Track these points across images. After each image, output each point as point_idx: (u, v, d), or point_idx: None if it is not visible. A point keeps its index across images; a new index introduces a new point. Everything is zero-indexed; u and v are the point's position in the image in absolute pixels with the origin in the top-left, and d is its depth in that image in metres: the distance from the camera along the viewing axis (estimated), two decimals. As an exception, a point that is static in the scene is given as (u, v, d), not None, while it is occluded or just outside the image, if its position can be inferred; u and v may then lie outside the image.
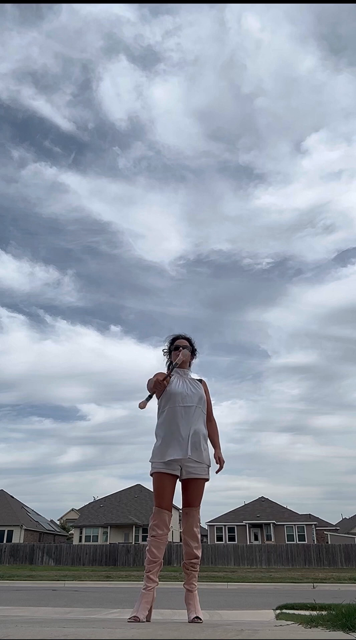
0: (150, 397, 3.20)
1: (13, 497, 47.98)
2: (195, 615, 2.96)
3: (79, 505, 57.27)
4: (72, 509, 70.63)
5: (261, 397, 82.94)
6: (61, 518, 71.57)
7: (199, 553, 3.19)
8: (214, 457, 3.38)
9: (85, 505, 48.95)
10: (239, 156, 73.37)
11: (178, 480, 3.20)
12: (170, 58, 66.59)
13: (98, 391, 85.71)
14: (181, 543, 3.28)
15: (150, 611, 2.99)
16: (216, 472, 3.33)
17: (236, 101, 68.71)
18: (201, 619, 2.93)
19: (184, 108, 70.78)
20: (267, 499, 47.50)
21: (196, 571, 3.18)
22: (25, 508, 48.15)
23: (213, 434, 3.45)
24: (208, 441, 3.37)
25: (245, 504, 47.41)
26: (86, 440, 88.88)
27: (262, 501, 47.27)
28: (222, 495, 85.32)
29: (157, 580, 3.05)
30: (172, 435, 3.20)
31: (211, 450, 3.38)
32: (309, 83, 65.71)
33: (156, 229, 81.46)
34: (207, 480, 3.26)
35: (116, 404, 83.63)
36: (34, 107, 67.16)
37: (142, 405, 3.10)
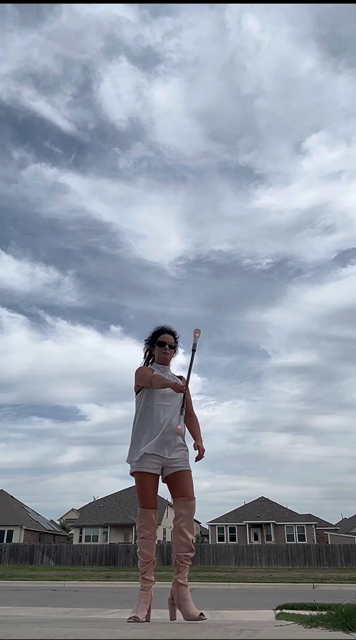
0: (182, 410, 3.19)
1: (13, 497, 47.97)
2: (200, 612, 2.91)
3: (79, 505, 57.30)
4: (72, 509, 70.61)
5: (261, 397, 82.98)
6: (61, 518, 71.55)
7: (193, 546, 3.15)
8: (194, 446, 3.33)
9: (85, 505, 48.95)
10: (239, 157, 73.47)
11: (160, 477, 3.16)
12: (170, 59, 66.70)
13: (98, 391, 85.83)
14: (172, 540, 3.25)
15: (149, 611, 2.99)
16: (195, 460, 3.27)
17: (236, 102, 68.80)
18: (204, 616, 2.89)
19: (185, 109, 70.88)
20: (267, 499, 47.50)
21: (189, 564, 3.14)
22: (25, 508, 48.14)
23: (193, 427, 3.41)
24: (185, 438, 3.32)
25: (245, 504, 47.41)
26: (86, 441, 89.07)
27: (262, 501, 47.26)
28: (222, 495, 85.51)
29: (153, 578, 3.06)
30: (150, 432, 3.16)
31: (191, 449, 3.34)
32: (309, 84, 65.75)
33: (156, 229, 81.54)
34: (189, 470, 3.21)
35: (116, 404, 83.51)
36: (34, 108, 67.26)
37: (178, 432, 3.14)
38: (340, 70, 67.29)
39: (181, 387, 3.18)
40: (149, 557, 3.06)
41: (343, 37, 61.30)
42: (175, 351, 3.47)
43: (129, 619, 2.84)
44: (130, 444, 3.25)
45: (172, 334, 3.48)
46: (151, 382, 3.21)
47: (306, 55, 64.02)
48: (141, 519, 3.10)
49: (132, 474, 3.18)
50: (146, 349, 3.50)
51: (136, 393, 3.37)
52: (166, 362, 3.41)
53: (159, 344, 3.41)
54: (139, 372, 3.36)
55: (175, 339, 3.48)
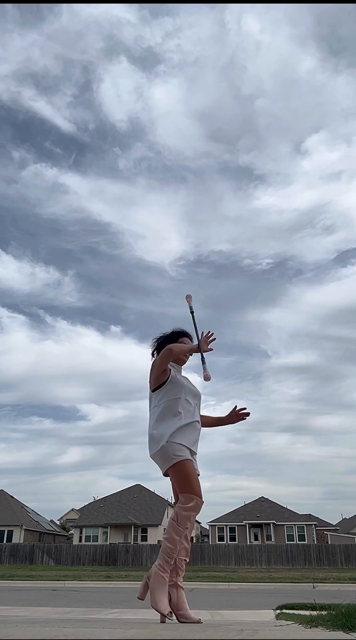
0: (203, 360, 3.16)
1: (13, 497, 47.98)
2: (199, 618, 2.90)
3: (79, 505, 57.33)
4: (72, 509, 70.63)
5: (261, 397, 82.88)
6: (61, 518, 71.56)
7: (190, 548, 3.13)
8: (232, 412, 3.48)
9: (85, 505, 48.95)
10: (239, 157, 73.55)
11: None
12: (170, 59, 66.78)
13: (98, 391, 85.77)
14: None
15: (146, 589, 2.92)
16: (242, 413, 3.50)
17: (236, 102, 68.92)
18: (200, 619, 2.88)
19: (185, 109, 70.99)
20: (267, 499, 47.50)
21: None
22: (25, 508, 48.15)
23: (208, 419, 3.52)
24: None
25: (245, 504, 47.41)
26: (86, 441, 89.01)
27: (262, 501, 47.27)
28: (222, 495, 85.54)
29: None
30: (188, 427, 3.11)
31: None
32: (309, 84, 65.85)
33: (156, 229, 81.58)
34: None
35: (116, 404, 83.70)
36: (34, 108, 67.31)
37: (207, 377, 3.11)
38: (339, 70, 67.43)
39: (197, 346, 3.15)
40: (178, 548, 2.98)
41: (343, 37, 61.41)
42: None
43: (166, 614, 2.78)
44: (166, 434, 3.06)
45: (191, 339, 3.48)
46: (171, 350, 3.13)
47: (306, 55, 64.16)
48: (194, 509, 2.94)
49: (175, 464, 2.99)
50: (159, 342, 3.44)
51: (155, 389, 3.24)
52: (181, 363, 3.40)
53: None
54: (158, 358, 3.24)
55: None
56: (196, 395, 3.32)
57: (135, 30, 62.71)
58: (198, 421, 3.22)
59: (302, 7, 57.38)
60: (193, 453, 3.09)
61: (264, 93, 66.99)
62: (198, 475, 3.08)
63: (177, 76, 69.12)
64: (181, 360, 3.38)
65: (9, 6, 51.15)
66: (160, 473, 3.16)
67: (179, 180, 77.14)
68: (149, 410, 3.29)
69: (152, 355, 3.44)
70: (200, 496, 2.96)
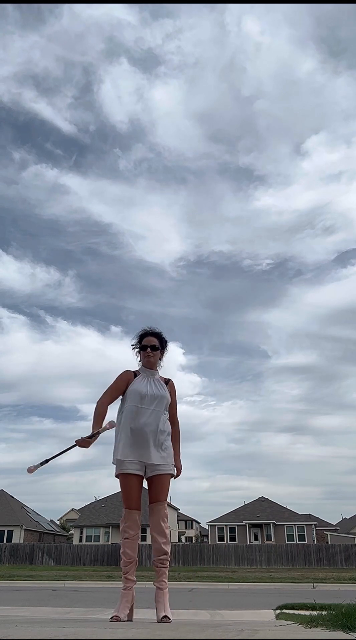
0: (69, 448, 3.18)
1: (13, 497, 47.95)
2: (164, 614, 2.91)
3: (79, 505, 57.29)
4: (72, 509, 70.62)
5: (261, 398, 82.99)
6: (61, 518, 71.55)
7: (167, 549, 3.12)
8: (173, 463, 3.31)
9: (85, 505, 48.93)
10: (240, 158, 73.60)
11: (143, 478, 3.19)
12: (171, 61, 66.93)
13: (99, 391, 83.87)
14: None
15: (132, 610, 3.03)
16: (173, 478, 3.28)
17: (236, 103, 69.00)
18: (170, 619, 2.89)
19: (185, 110, 71.10)
20: (267, 499, 47.46)
21: (166, 568, 3.11)
22: (25, 508, 48.12)
23: (174, 439, 3.36)
24: (169, 439, 3.29)
25: (245, 504, 47.37)
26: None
27: (262, 501, 47.24)
28: (222, 495, 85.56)
29: (135, 578, 3.10)
30: (131, 435, 3.16)
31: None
32: (308, 85, 65.97)
33: (157, 230, 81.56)
34: (172, 475, 3.24)
35: (116, 404, 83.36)
36: (35, 109, 67.37)
37: (30, 470, 3.12)
38: (339, 72, 67.54)
39: (80, 442, 3.13)
40: (131, 557, 3.08)
41: (342, 39, 61.46)
42: (161, 352, 3.44)
43: (111, 618, 2.87)
44: (114, 447, 3.27)
45: (156, 335, 3.44)
46: (96, 408, 3.30)
47: (306, 57, 64.24)
48: (126, 519, 3.13)
49: (116, 476, 3.20)
50: (136, 353, 3.49)
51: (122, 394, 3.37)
52: (151, 366, 3.39)
53: (142, 347, 3.40)
54: (113, 383, 3.37)
55: (160, 339, 3.45)
56: (144, 397, 3.25)
57: (135, 32, 62.87)
58: (142, 423, 3.18)
59: (302, 9, 57.51)
60: (135, 459, 3.13)
61: (264, 94, 67.15)
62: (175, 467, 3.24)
63: (177, 77, 69.27)
64: (149, 364, 3.38)
65: (10, 8, 51.25)
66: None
67: (180, 181, 77.20)
68: None
69: (163, 350, 3.45)
70: (129, 507, 3.14)
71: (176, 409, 3.44)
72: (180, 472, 3.36)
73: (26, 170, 70.84)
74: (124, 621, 2.84)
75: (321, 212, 77.15)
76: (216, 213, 78.44)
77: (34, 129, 70.43)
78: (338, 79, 67.66)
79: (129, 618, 2.96)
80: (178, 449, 3.39)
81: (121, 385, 3.33)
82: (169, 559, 3.14)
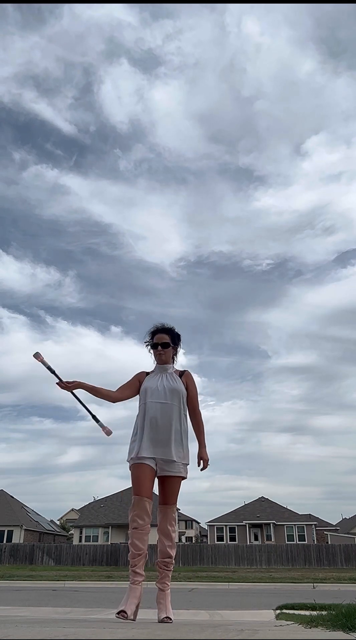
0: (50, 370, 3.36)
1: (13, 497, 47.94)
2: (165, 615, 2.90)
3: (79, 505, 57.29)
4: (72, 509, 70.62)
5: (261, 398, 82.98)
6: (61, 518, 71.55)
7: (172, 552, 3.08)
8: (197, 457, 3.28)
9: (85, 505, 48.90)
10: (240, 158, 73.65)
11: (155, 473, 3.12)
12: (171, 61, 66.93)
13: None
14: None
15: (137, 608, 2.88)
16: (201, 470, 3.26)
17: (236, 104, 69.05)
18: (171, 619, 2.88)
19: (185, 111, 71.13)
20: (267, 499, 47.46)
21: (169, 570, 3.09)
22: (25, 508, 48.12)
23: (196, 430, 3.32)
24: (188, 436, 3.23)
25: (245, 504, 47.37)
26: (87, 441, 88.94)
27: (262, 501, 47.23)
28: (222, 495, 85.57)
29: (144, 573, 2.95)
30: (144, 432, 3.12)
31: (194, 447, 3.28)
32: (308, 86, 65.97)
33: (157, 230, 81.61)
34: (183, 478, 3.16)
35: (117, 404, 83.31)
36: (35, 110, 67.40)
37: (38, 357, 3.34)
38: (339, 72, 67.59)
39: (60, 383, 3.31)
40: (141, 549, 2.93)
41: (342, 39, 61.45)
42: (174, 347, 3.40)
43: (117, 614, 2.75)
44: (129, 443, 3.23)
45: (167, 331, 3.40)
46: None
47: (306, 57, 64.23)
48: (135, 508, 2.97)
49: (130, 467, 3.13)
50: (148, 350, 3.45)
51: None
52: (164, 362, 3.35)
53: (153, 346, 3.38)
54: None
55: (172, 335, 3.40)
56: (155, 391, 3.23)
57: (135, 33, 62.85)
58: (152, 417, 3.15)
59: (301, 10, 57.41)
60: (148, 455, 3.08)
61: (264, 95, 67.20)
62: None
63: (177, 78, 69.32)
64: (161, 361, 3.35)
65: (10, 8, 51.24)
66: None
67: (180, 181, 77.21)
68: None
69: (176, 345, 3.43)
70: (140, 494, 2.99)
71: (197, 400, 3.34)
72: (207, 464, 3.28)
73: (26, 170, 70.86)
74: (130, 619, 2.75)
75: (321, 213, 77.19)
76: (216, 213, 78.48)
77: (34, 130, 70.45)
78: (338, 79, 67.74)
79: (133, 617, 2.85)
80: (202, 441, 3.33)
81: (134, 382, 3.33)
82: (173, 562, 3.12)
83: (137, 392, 3.31)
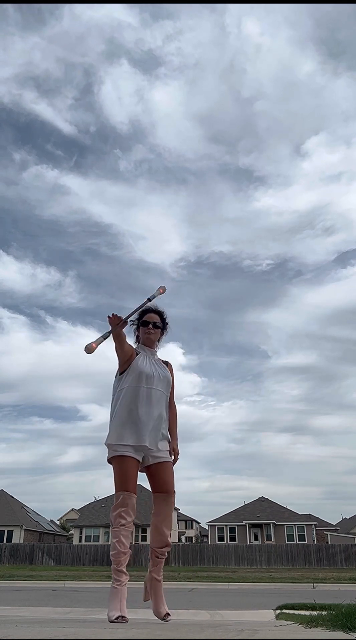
0: (106, 336, 2.95)
1: (13, 497, 47.94)
2: (166, 612, 2.92)
3: (79, 505, 57.30)
4: (72, 509, 70.59)
5: (261, 398, 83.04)
6: (61, 518, 71.53)
7: (170, 541, 3.07)
8: (170, 448, 3.16)
9: (85, 505, 48.91)
10: (240, 159, 73.99)
11: (140, 466, 3.03)
12: (171, 62, 67.21)
13: (99, 391, 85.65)
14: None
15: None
16: (173, 464, 3.15)
17: (236, 104, 69.38)
18: (170, 614, 2.90)
19: (185, 111, 71.48)
20: (267, 499, 47.47)
21: (163, 560, 3.06)
22: (25, 508, 48.11)
23: (171, 422, 3.23)
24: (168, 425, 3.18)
25: (245, 504, 47.38)
26: (87, 441, 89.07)
27: (262, 501, 47.23)
28: (222, 495, 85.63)
29: (127, 572, 2.87)
30: (132, 417, 3.01)
31: None
32: (308, 87, 66.43)
33: (157, 230, 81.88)
34: (171, 463, 3.12)
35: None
36: (36, 110, 67.57)
37: (90, 348, 2.85)
38: (339, 73, 67.90)
39: (111, 318, 2.96)
40: (126, 547, 2.85)
41: (342, 40, 61.71)
42: (162, 332, 3.35)
43: (116, 618, 2.67)
44: (110, 428, 3.08)
45: (159, 313, 3.35)
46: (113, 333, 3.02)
47: (306, 58, 64.48)
48: (121, 504, 2.89)
49: (110, 459, 3.02)
50: (134, 330, 3.37)
51: (120, 373, 3.20)
52: (150, 344, 3.29)
53: (143, 323, 3.29)
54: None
55: (162, 319, 3.35)
56: (150, 377, 3.12)
57: (136, 33, 63.25)
58: (146, 404, 3.05)
59: (301, 11, 57.74)
60: (134, 443, 2.97)
61: (264, 95, 67.64)
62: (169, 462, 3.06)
63: (177, 79, 69.69)
64: (149, 341, 3.28)
65: (10, 9, 51.45)
66: None
67: (180, 181, 77.47)
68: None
69: (164, 329, 3.36)
70: (128, 489, 2.91)
71: (173, 392, 3.29)
72: (177, 456, 3.19)
73: (27, 171, 71.05)
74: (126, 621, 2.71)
75: (321, 213, 77.36)
76: (216, 214, 78.68)
77: (34, 130, 70.65)
78: (338, 80, 68.01)
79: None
80: (175, 433, 3.25)
81: (132, 350, 3.20)
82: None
83: (129, 363, 3.17)
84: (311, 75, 65.70)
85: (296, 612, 4.00)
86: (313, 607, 4.00)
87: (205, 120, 70.82)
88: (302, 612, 3.74)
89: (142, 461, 3.04)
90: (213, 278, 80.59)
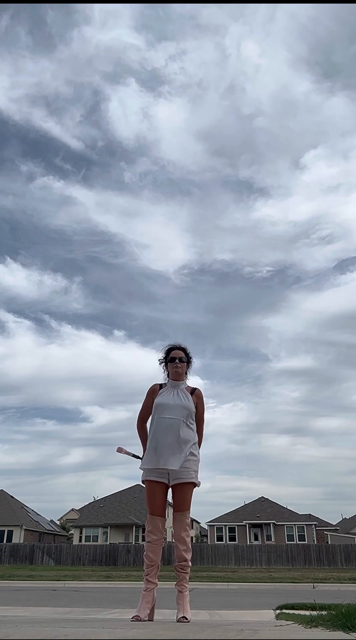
0: (134, 457, 3.57)
1: (13, 497, 47.94)
2: (182, 615, 3.03)
3: (79, 505, 57.31)
4: (72, 509, 70.60)
5: (261, 400, 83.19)
6: (61, 518, 71.53)
7: (188, 556, 3.27)
8: (196, 468, 3.44)
9: (85, 505, 48.89)
10: (240, 171, 75.64)
11: (168, 487, 3.33)
12: (174, 81, 69.38)
13: (102, 394, 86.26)
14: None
15: (152, 611, 3.14)
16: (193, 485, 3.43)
17: (237, 121, 71.57)
18: (187, 619, 3.01)
19: (188, 127, 73.24)
20: (267, 499, 47.45)
21: (187, 573, 3.27)
22: (25, 508, 48.10)
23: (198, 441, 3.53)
24: (195, 446, 3.41)
25: (245, 504, 47.37)
26: (89, 442, 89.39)
27: (262, 501, 47.22)
28: (222, 495, 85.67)
29: (157, 581, 3.21)
30: (156, 444, 3.32)
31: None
32: (305, 105, 69.23)
33: (162, 239, 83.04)
34: (194, 484, 3.33)
35: (119, 406, 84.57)
36: (45, 128, 69.43)
37: (119, 450, 3.62)
38: (334, 92, 70.54)
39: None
40: (153, 560, 3.21)
41: (336, 63, 64.62)
42: (188, 364, 3.63)
43: (132, 618, 2.98)
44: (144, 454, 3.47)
45: (183, 349, 3.64)
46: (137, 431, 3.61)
47: (302, 79, 67.35)
48: (149, 524, 3.30)
49: (143, 482, 3.39)
50: (163, 367, 3.66)
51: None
52: (178, 377, 3.55)
53: (170, 359, 3.57)
54: (143, 401, 3.60)
55: (186, 353, 3.64)
56: (166, 407, 3.41)
57: (140, 54, 65.55)
58: (162, 431, 3.35)
59: (298, 35, 59.59)
60: (159, 468, 3.29)
61: (263, 113, 70.05)
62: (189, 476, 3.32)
63: (181, 97, 71.76)
64: (177, 374, 3.54)
65: (22, 33, 53.06)
66: None
67: (184, 193, 78.63)
68: None
69: (188, 362, 3.66)
70: (154, 513, 3.31)
71: (203, 420, 3.56)
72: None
73: (34, 182, 72.24)
74: (144, 621, 2.97)
75: (320, 222, 78.21)
76: (218, 223, 79.57)
77: (43, 146, 72.60)
78: (334, 98, 70.64)
79: (150, 618, 3.09)
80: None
81: (149, 402, 3.54)
82: (190, 564, 3.31)
83: (152, 399, 3.54)
84: (307, 94, 68.12)
85: (296, 612, 4.00)
86: (313, 607, 4.00)
87: (208, 135, 72.69)
88: (302, 612, 3.74)
89: (169, 480, 3.32)
90: (215, 285, 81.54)
